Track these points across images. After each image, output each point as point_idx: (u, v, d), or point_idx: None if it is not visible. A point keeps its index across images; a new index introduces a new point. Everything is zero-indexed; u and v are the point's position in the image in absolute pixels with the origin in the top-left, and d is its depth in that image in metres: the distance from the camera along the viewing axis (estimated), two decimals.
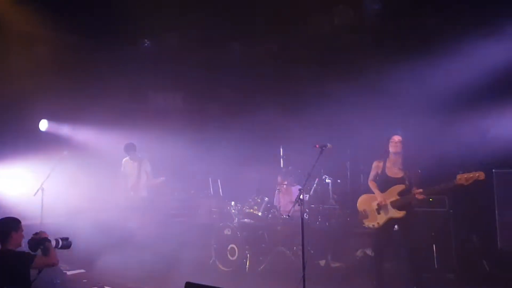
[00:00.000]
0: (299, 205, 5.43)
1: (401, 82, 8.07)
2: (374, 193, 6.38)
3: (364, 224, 6.45)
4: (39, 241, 4.76)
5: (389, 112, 8.32)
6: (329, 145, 5.66)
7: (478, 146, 7.41)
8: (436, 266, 7.15)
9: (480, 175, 5.66)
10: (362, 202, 6.53)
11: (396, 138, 6.31)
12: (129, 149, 8.95)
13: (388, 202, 6.20)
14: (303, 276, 5.21)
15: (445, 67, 7.88)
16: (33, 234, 4.81)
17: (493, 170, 7.48)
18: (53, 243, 4.87)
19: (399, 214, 6.11)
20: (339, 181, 8.81)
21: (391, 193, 6.21)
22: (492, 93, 7.65)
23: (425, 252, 7.04)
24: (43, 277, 5.07)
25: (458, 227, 7.31)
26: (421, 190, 5.98)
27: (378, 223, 6.26)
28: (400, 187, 6.16)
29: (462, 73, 7.71)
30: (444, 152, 7.38)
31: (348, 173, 8.99)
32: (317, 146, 5.63)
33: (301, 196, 5.45)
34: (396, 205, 6.14)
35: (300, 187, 6.04)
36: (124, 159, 9.12)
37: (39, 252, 4.73)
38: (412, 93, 8.17)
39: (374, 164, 6.53)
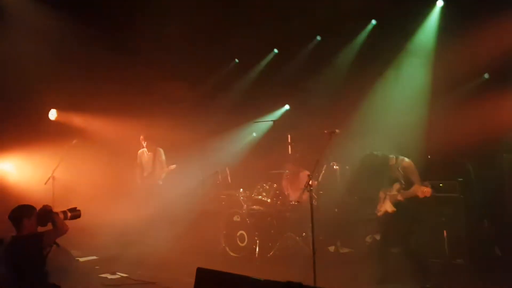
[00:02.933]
0: (307, 191, 5.40)
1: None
2: None
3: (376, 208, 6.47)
4: (46, 215, 4.80)
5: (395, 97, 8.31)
6: (337, 130, 5.63)
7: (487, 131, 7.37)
8: (447, 252, 7.08)
9: (427, 192, 5.70)
10: (381, 191, 6.49)
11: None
12: (146, 140, 9.33)
13: (388, 195, 6.21)
14: (313, 262, 5.18)
15: None
16: (38, 210, 4.83)
17: (504, 155, 7.44)
18: (61, 215, 4.92)
19: (391, 209, 6.11)
20: (347, 167, 8.79)
21: (393, 189, 6.21)
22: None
23: (436, 239, 7.04)
24: (55, 263, 5.13)
25: (469, 212, 7.24)
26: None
27: (380, 210, 6.30)
28: (397, 185, 6.14)
29: None
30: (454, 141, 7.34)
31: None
32: (325, 131, 5.59)
33: (310, 182, 5.41)
34: (391, 200, 6.14)
35: (308, 173, 6.02)
36: (139, 151, 9.42)
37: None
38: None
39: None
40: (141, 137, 9.41)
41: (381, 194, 6.35)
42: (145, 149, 9.40)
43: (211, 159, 9.36)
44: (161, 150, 9.37)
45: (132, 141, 9.52)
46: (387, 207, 6.17)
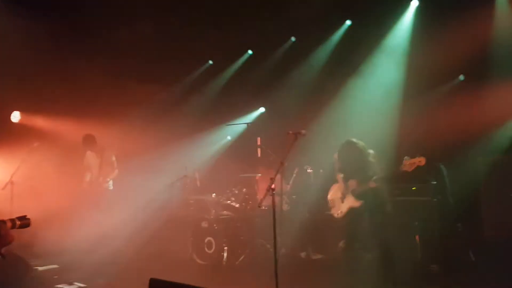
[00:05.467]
0: (270, 195, 5.13)
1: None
2: None
3: (331, 213, 6.24)
4: None
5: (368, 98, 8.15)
6: (303, 131, 5.35)
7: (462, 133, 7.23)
8: (419, 257, 6.85)
9: (421, 160, 5.40)
10: (332, 191, 6.33)
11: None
12: (87, 141, 8.48)
13: (349, 190, 5.97)
14: (275, 270, 4.92)
15: None
16: None
17: (478, 158, 7.30)
18: (9, 224, 4.59)
19: (356, 203, 5.87)
20: (321, 171, 8.56)
21: (352, 182, 5.96)
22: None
23: (408, 244, 6.82)
24: (10, 273, 4.83)
25: (443, 216, 7.06)
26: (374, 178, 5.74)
27: (341, 211, 6.04)
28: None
29: None
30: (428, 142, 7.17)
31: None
32: (290, 132, 5.32)
33: (272, 186, 5.14)
34: (355, 194, 5.90)
35: (272, 177, 5.71)
36: (87, 152, 8.67)
37: None
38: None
39: (335, 156, 6.29)
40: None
41: (336, 192, 6.11)
42: (90, 152, 8.62)
43: (180, 163, 9.01)
44: (110, 151, 8.62)
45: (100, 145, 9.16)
46: (350, 203, 5.92)
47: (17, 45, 8.71)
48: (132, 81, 9.89)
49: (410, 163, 5.42)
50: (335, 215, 6.13)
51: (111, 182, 8.53)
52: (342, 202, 6.05)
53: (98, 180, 8.44)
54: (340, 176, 6.15)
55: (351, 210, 5.92)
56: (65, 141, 8.52)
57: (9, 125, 9.26)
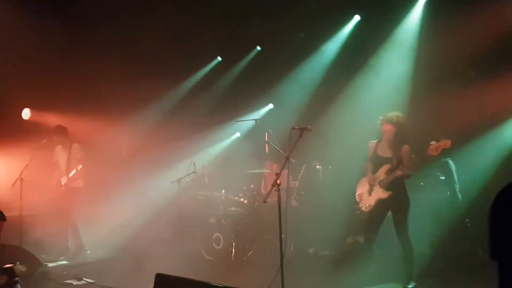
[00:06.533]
0: (276, 190, 5.12)
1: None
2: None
3: (360, 207, 6.16)
4: None
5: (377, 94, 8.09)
6: (309, 127, 5.32)
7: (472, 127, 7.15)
8: (428, 253, 6.81)
9: (446, 143, 5.32)
10: (359, 185, 6.22)
11: (380, 120, 6.01)
12: (59, 134, 8.06)
13: (376, 182, 5.91)
14: (281, 265, 4.92)
15: None
16: None
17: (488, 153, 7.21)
18: None
19: (385, 194, 5.80)
20: (330, 167, 8.53)
21: (380, 173, 5.90)
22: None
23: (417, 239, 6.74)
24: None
25: (451, 212, 7.01)
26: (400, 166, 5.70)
27: (369, 204, 5.95)
28: (387, 167, 5.85)
29: None
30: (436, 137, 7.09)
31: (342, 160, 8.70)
32: (295, 128, 5.29)
33: (278, 182, 5.12)
34: (383, 185, 5.85)
35: (277, 173, 5.67)
36: (57, 146, 8.27)
37: None
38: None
39: (369, 145, 6.22)
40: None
41: (364, 186, 6.07)
42: (60, 146, 8.20)
43: (189, 159, 9.01)
44: (77, 146, 8.08)
45: (108, 141, 9.22)
46: (378, 194, 5.86)
47: (28, 43, 8.79)
48: (141, 78, 9.90)
49: (436, 146, 5.34)
50: (363, 208, 6.05)
51: (80, 180, 8.11)
52: (370, 194, 5.98)
53: (66, 178, 7.99)
54: (370, 166, 6.08)
55: (379, 202, 5.87)
56: (75, 139, 8.51)
57: (21, 122, 9.34)
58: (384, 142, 6.01)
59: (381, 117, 6.02)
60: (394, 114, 5.93)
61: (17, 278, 4.72)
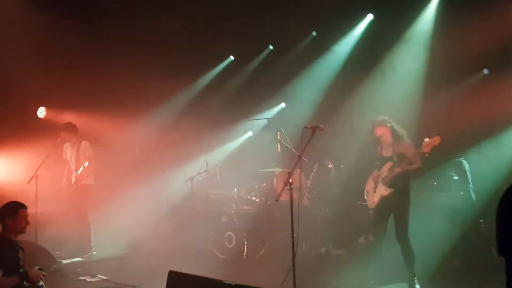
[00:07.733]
0: (288, 189, 5.13)
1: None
2: None
3: (367, 204, 6.21)
4: None
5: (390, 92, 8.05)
6: (321, 126, 5.32)
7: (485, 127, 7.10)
8: (441, 253, 6.76)
9: (436, 139, 5.32)
10: (367, 183, 6.27)
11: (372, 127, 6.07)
12: (69, 131, 8.02)
13: (380, 179, 5.94)
14: (293, 264, 4.93)
15: None
16: None
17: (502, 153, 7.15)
18: None
19: (387, 191, 5.82)
20: (342, 166, 8.51)
21: (383, 170, 5.95)
22: None
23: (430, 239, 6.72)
24: (35, 264, 4.96)
25: (465, 212, 6.95)
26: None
27: (374, 201, 6.00)
28: (389, 164, 5.87)
29: None
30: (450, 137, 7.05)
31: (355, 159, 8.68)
32: (308, 127, 5.30)
33: (290, 180, 5.13)
34: (385, 182, 5.86)
35: (289, 171, 5.68)
36: (65, 144, 8.25)
37: None
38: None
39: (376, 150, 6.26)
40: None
41: (371, 184, 6.07)
42: (68, 143, 8.18)
43: (202, 158, 9.05)
44: (86, 144, 8.05)
45: (122, 140, 9.28)
46: (381, 192, 5.88)
47: (43, 41, 8.88)
48: (155, 77, 9.96)
49: (427, 143, 5.38)
50: (370, 206, 6.11)
51: (91, 177, 8.11)
52: (375, 192, 6.01)
53: (75, 176, 7.99)
54: (376, 163, 6.09)
55: (382, 199, 5.89)
56: (89, 137, 8.57)
57: (36, 120, 9.43)
58: (384, 144, 6.05)
59: (372, 124, 6.06)
60: (382, 117, 6.02)
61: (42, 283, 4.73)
